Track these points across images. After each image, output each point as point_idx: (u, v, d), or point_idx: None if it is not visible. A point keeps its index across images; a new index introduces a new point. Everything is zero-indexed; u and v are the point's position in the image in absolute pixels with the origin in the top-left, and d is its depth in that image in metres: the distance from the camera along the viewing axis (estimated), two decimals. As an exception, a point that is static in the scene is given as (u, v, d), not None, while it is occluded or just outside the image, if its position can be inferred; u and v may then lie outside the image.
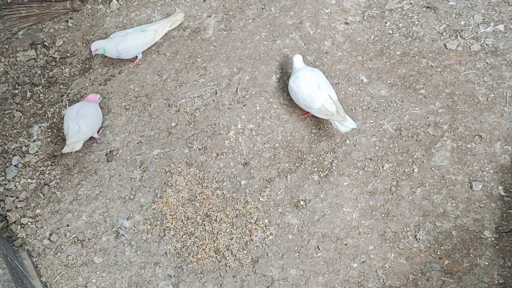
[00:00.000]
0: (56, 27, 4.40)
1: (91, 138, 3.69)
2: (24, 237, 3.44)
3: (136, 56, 4.04)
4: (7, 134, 3.87)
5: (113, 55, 3.97)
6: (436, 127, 3.40)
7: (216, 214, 3.35)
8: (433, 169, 3.27)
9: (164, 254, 3.29)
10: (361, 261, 3.09)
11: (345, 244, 3.15)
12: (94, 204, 3.49)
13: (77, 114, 3.55)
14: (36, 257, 3.37)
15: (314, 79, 3.41)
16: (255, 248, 3.22)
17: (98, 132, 3.73)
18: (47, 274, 3.31)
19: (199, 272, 3.20)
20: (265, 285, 3.11)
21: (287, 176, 3.41)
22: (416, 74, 3.62)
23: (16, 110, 3.99)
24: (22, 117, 3.96)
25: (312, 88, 3.37)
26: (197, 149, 3.59)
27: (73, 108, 3.62)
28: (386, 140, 3.42)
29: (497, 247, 3.00)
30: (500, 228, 3.04)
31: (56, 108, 3.95)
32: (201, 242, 3.28)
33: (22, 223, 3.48)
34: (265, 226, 3.27)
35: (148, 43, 4.02)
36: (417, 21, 3.87)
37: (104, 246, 3.35)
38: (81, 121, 3.52)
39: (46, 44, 4.30)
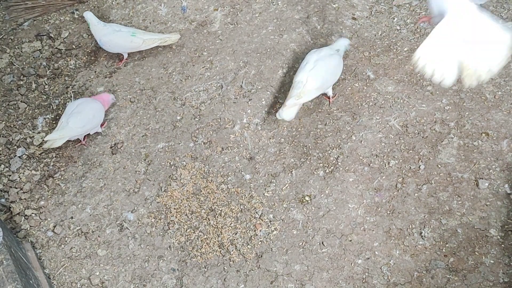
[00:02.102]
0: (62, 18, 4.38)
1: (96, 132, 3.69)
2: (28, 228, 3.44)
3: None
4: (12, 125, 3.86)
5: (96, 39, 3.93)
6: (443, 124, 3.38)
7: (220, 209, 3.34)
8: (439, 166, 3.25)
9: (168, 248, 3.28)
10: (366, 257, 3.08)
11: (350, 240, 3.14)
12: (98, 197, 3.49)
13: (73, 110, 3.52)
14: (39, 248, 3.37)
15: (317, 60, 3.42)
16: (260, 243, 3.21)
17: (102, 125, 3.71)
18: (51, 266, 3.31)
19: (203, 266, 3.20)
20: (269, 280, 3.11)
21: (292, 171, 3.40)
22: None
23: (21, 101, 3.98)
24: (27, 108, 3.94)
25: (307, 65, 3.42)
26: (202, 143, 3.58)
27: (74, 104, 3.59)
28: (392, 137, 3.41)
29: (502, 245, 2.99)
30: (506, 227, 3.03)
31: (61, 100, 3.94)
32: (205, 236, 3.28)
33: (26, 215, 3.48)
34: (270, 221, 3.27)
35: (132, 48, 3.93)
36: (425, 17, 3.85)
37: (108, 238, 3.35)
38: (72, 118, 3.48)
39: (52, 35, 4.28)
